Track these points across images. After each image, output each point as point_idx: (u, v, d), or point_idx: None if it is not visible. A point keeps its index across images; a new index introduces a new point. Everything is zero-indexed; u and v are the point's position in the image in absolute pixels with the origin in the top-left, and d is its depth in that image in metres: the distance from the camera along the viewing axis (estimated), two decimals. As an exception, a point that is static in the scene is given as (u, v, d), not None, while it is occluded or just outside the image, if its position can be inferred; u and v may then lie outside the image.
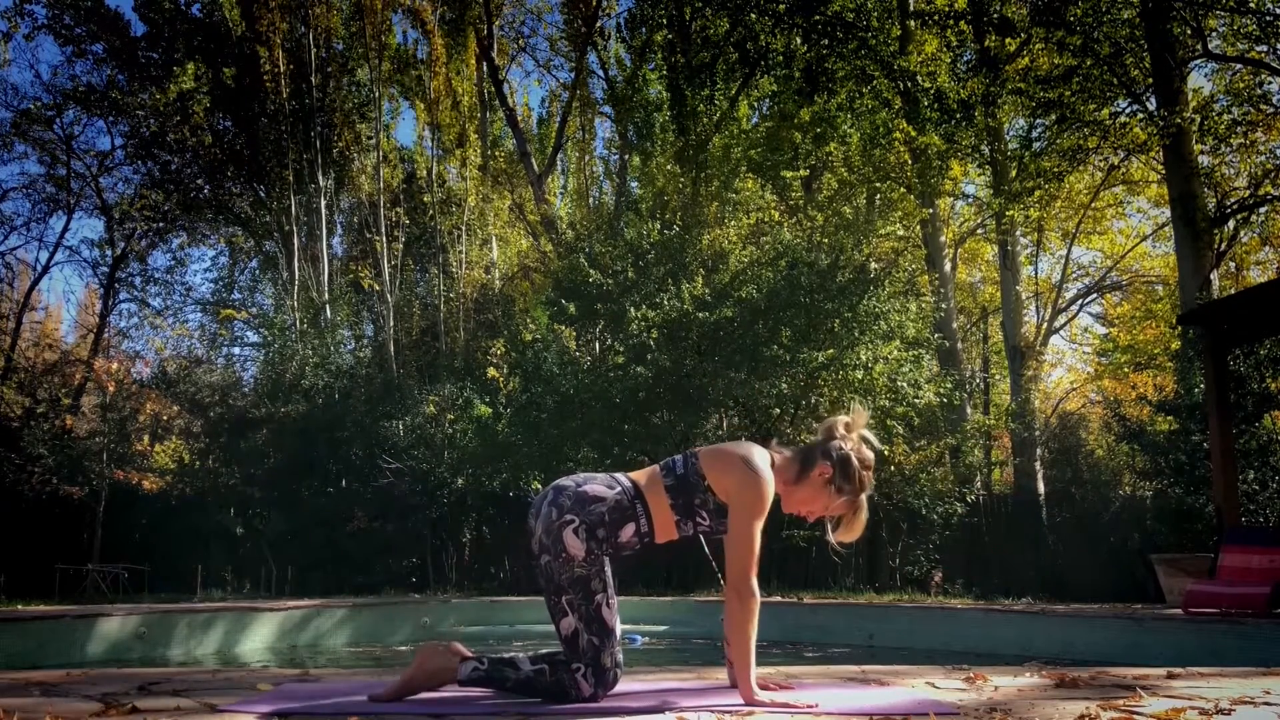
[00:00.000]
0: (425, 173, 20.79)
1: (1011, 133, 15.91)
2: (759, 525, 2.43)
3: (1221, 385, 7.51)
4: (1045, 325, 18.08)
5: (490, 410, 13.74)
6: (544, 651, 2.50)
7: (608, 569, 2.49)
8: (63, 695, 2.54)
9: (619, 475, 2.58)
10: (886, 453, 13.42)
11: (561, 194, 24.40)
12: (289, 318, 16.95)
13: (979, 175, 16.63)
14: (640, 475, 2.58)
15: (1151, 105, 12.67)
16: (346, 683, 2.86)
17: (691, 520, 2.51)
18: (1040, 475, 14.69)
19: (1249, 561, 6.21)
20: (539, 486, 12.82)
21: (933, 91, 14.17)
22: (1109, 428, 14.38)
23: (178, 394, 15.89)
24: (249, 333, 21.18)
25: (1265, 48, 12.09)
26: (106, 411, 15.88)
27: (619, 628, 2.49)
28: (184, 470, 16.13)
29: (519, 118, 21.89)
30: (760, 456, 2.50)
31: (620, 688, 2.56)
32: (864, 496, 2.54)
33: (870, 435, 2.59)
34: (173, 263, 20.78)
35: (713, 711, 2.18)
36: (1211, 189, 12.49)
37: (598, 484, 2.52)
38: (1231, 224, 12.64)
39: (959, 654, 6.31)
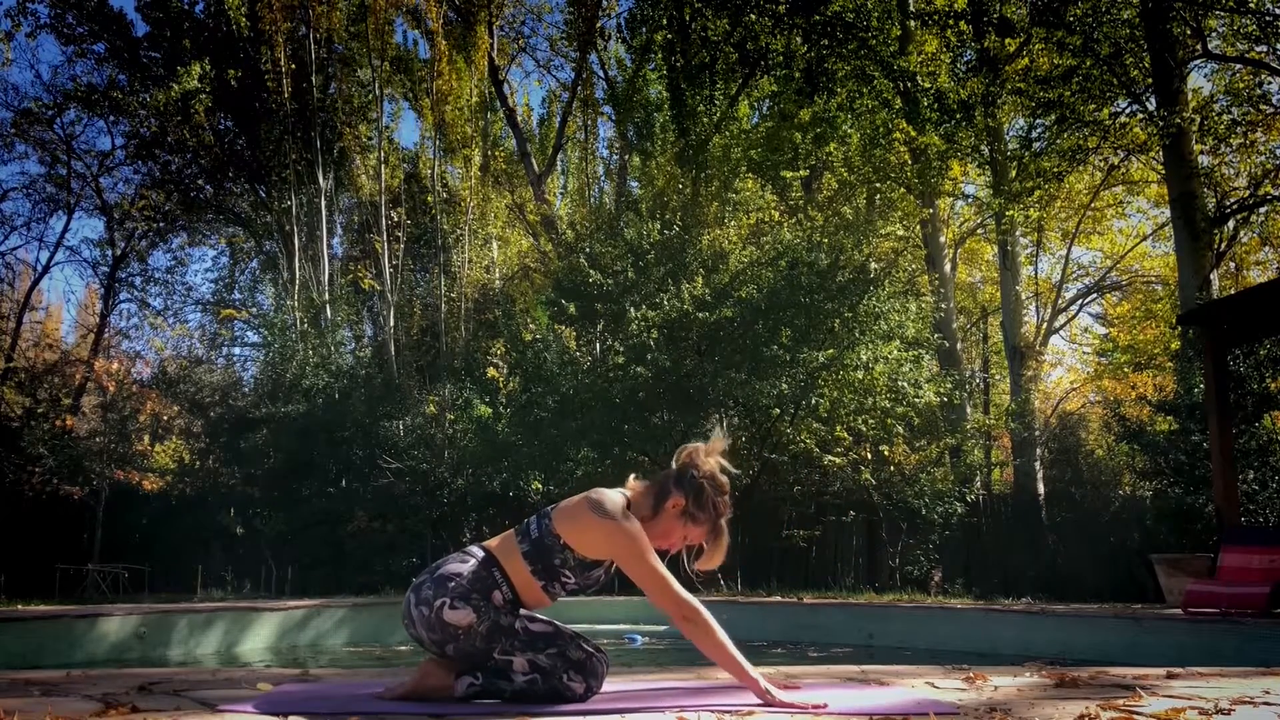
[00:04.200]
0: (427, 173, 20.78)
1: (1011, 133, 15.91)
2: (653, 560, 2.39)
3: (1221, 385, 7.51)
4: (1045, 325, 18.08)
5: (490, 410, 13.73)
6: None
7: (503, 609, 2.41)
8: (63, 695, 2.53)
9: (470, 548, 2.52)
10: (886, 452, 13.45)
11: (561, 194, 24.37)
12: (289, 318, 16.95)
13: (979, 175, 16.63)
14: (494, 542, 2.54)
15: (1151, 105, 12.67)
16: (346, 683, 2.86)
17: (557, 581, 2.46)
18: (1040, 475, 14.68)
19: (1249, 561, 6.22)
20: (539, 486, 12.82)
21: (933, 91, 14.16)
22: (1109, 428, 14.37)
23: (178, 394, 15.90)
24: (249, 333, 21.21)
25: (1265, 48, 12.09)
26: (106, 411, 15.89)
27: (560, 625, 2.45)
28: (184, 470, 16.14)
29: (519, 118, 21.89)
30: (610, 500, 2.45)
31: (620, 687, 2.56)
32: (723, 522, 2.51)
33: (726, 462, 2.53)
34: (173, 263, 20.85)
35: (713, 711, 2.18)
36: (1211, 189, 12.49)
37: (450, 564, 2.46)
38: (1231, 224, 12.65)
39: (959, 654, 6.31)
